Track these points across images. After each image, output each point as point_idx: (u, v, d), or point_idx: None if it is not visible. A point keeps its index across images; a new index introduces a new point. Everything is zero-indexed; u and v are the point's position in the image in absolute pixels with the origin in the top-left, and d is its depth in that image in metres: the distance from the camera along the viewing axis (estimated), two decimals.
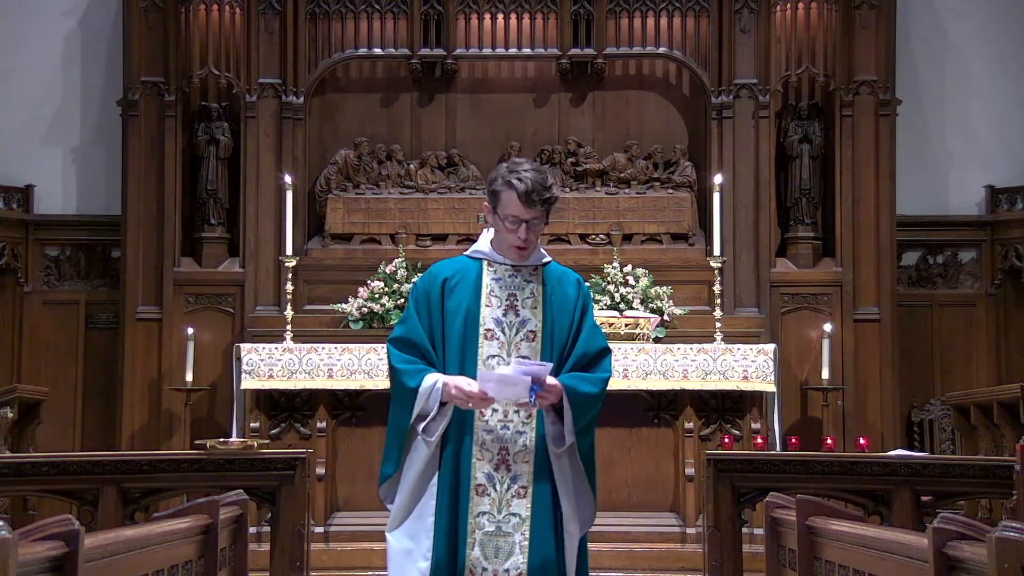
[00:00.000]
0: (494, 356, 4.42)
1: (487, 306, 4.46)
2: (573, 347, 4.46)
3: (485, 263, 4.52)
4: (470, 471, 4.38)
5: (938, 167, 10.65)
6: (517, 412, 4.41)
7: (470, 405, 4.34)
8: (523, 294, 4.48)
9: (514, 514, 4.37)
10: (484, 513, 4.37)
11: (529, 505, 4.37)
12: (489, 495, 4.38)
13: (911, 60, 10.54)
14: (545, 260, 4.57)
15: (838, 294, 9.87)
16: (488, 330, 4.44)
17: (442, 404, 4.38)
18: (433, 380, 4.38)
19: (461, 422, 4.41)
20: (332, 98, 10.45)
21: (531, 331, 4.45)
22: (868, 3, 9.99)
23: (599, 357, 4.49)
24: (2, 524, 3.31)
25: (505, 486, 4.38)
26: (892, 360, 9.80)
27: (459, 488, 4.38)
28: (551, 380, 4.31)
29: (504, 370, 4.31)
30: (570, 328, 4.48)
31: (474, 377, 4.35)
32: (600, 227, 10.18)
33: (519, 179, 4.37)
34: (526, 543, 4.36)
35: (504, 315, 4.46)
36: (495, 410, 4.40)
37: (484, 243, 4.56)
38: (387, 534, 4.49)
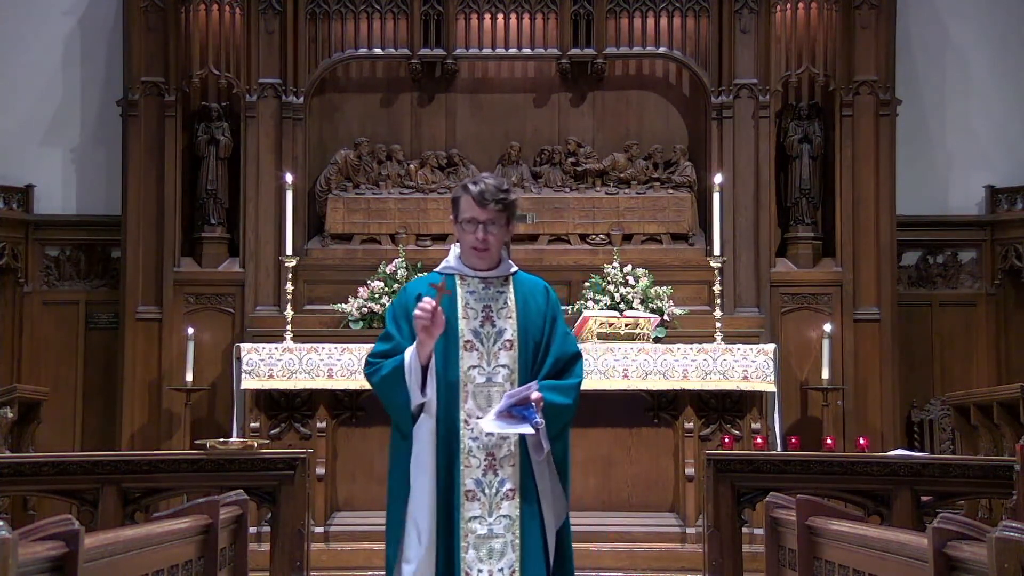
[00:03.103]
0: (475, 367, 4.55)
1: (464, 318, 4.58)
2: (547, 353, 4.60)
3: (457, 277, 4.64)
4: (459, 478, 4.50)
5: (938, 167, 10.65)
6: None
7: (430, 327, 4.40)
8: (497, 305, 4.62)
9: (504, 515, 4.51)
10: (475, 517, 4.51)
11: (518, 505, 4.51)
12: (479, 500, 4.51)
13: (911, 60, 10.54)
14: (512, 270, 4.70)
15: (838, 294, 9.87)
16: (467, 341, 4.56)
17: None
18: (406, 352, 4.49)
19: (448, 434, 4.51)
20: (332, 98, 10.45)
21: (508, 340, 4.58)
22: (868, 3, 9.99)
23: (571, 362, 4.64)
24: (2, 524, 3.31)
25: (494, 490, 4.52)
26: (892, 360, 9.80)
27: (450, 495, 4.49)
28: (535, 395, 4.43)
29: (493, 410, 4.45)
30: (541, 335, 4.61)
31: (459, 388, 4.50)
32: (600, 227, 10.18)
33: (474, 183, 4.57)
34: (518, 542, 4.50)
35: (481, 326, 4.59)
36: (478, 418, 4.49)
37: (452, 259, 4.69)
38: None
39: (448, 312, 4.53)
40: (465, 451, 4.50)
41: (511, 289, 4.65)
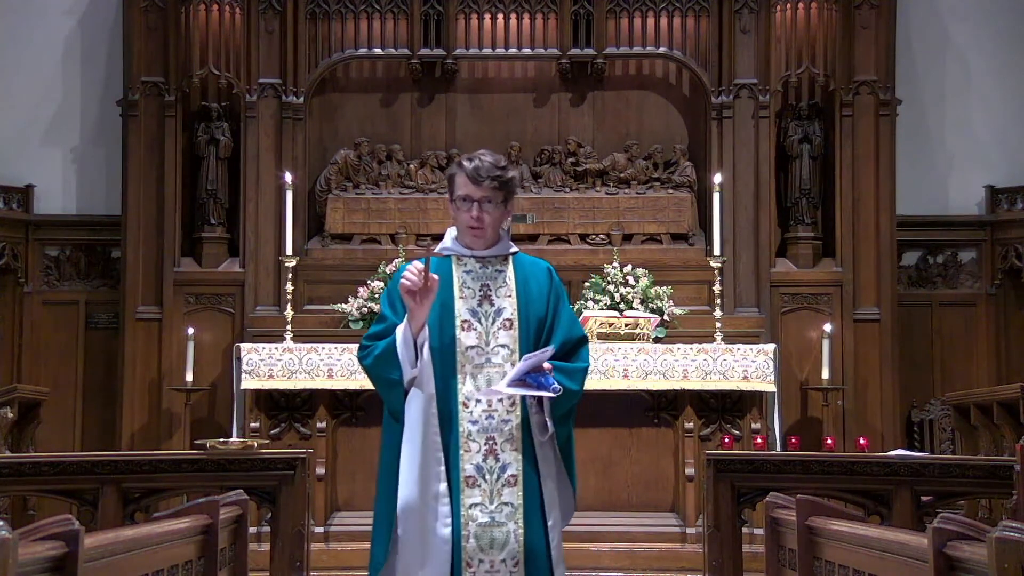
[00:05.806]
0: (473, 347, 4.43)
1: (461, 298, 4.48)
2: (552, 334, 4.48)
3: (454, 258, 4.55)
4: (458, 463, 4.36)
5: (938, 167, 10.65)
6: (501, 400, 4.40)
7: (416, 293, 4.30)
8: (496, 284, 4.51)
9: (506, 503, 4.36)
10: (476, 504, 4.35)
11: (520, 493, 4.37)
12: (480, 486, 4.36)
13: (911, 60, 10.54)
14: (512, 250, 4.59)
15: (838, 294, 9.87)
16: (465, 321, 4.45)
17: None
18: (398, 327, 4.39)
19: (446, 416, 4.38)
20: (332, 98, 10.46)
21: (507, 319, 4.47)
22: (868, 3, 9.99)
23: (578, 346, 4.52)
24: (2, 524, 3.30)
25: (495, 476, 4.37)
26: (892, 360, 9.80)
27: (449, 482, 4.36)
28: (547, 365, 4.33)
29: (508, 375, 4.34)
30: (545, 316, 4.50)
31: (456, 370, 4.39)
32: (600, 227, 10.18)
33: (469, 159, 4.46)
34: (521, 531, 4.35)
35: (479, 305, 4.48)
36: (478, 401, 4.39)
37: (448, 240, 4.60)
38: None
39: (444, 293, 4.42)
40: (464, 435, 4.36)
41: (510, 268, 4.53)
